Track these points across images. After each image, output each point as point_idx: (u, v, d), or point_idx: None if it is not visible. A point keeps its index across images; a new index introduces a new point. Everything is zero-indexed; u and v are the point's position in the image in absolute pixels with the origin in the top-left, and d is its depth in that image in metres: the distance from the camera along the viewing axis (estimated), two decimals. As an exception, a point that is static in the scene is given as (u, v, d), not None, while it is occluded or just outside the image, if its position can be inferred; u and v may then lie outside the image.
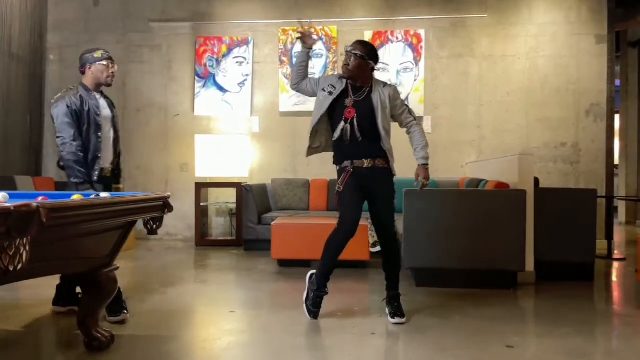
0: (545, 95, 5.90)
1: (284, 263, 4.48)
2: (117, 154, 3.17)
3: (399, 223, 4.18)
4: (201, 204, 5.87)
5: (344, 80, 2.96)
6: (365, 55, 2.87)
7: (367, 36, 6.05)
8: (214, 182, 5.96)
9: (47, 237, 1.74)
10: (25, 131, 6.09)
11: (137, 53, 6.33)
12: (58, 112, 2.88)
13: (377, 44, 6.05)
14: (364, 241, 4.29)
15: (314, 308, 2.90)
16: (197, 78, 6.24)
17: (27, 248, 1.55)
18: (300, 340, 2.62)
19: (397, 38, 6.03)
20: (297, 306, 3.05)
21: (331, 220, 4.64)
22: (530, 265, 3.78)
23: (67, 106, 2.86)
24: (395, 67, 6.01)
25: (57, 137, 2.89)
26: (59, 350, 2.49)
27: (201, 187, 5.86)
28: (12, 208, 1.48)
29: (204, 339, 2.65)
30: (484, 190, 3.91)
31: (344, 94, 2.91)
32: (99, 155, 2.97)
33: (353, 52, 2.87)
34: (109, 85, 3.06)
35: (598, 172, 5.83)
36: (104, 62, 2.98)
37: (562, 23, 5.91)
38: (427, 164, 2.97)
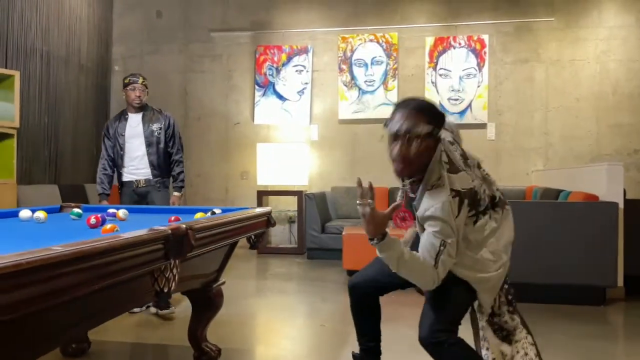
0: (616, 100, 5.69)
1: (353, 273, 4.43)
2: (154, 167, 3.43)
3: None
4: (262, 212, 5.88)
5: None
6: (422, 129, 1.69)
7: (429, 42, 5.97)
8: (276, 190, 5.98)
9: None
10: (92, 140, 6.24)
11: (198, 63, 6.42)
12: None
13: (438, 49, 5.97)
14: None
15: None
16: (257, 87, 6.28)
17: (178, 270, 1.56)
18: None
19: (459, 44, 5.93)
20: (391, 320, 2.99)
21: (399, 231, 4.59)
22: (620, 280, 3.62)
23: (105, 128, 3.48)
24: (458, 73, 5.91)
25: None
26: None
27: (263, 195, 5.88)
28: (170, 231, 1.49)
29: (307, 354, 2.63)
30: (573, 202, 3.77)
31: None
32: (124, 167, 3.44)
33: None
34: (135, 106, 3.41)
35: (674, 181, 5.58)
36: (128, 87, 3.42)
37: (633, 26, 5.69)
38: None
